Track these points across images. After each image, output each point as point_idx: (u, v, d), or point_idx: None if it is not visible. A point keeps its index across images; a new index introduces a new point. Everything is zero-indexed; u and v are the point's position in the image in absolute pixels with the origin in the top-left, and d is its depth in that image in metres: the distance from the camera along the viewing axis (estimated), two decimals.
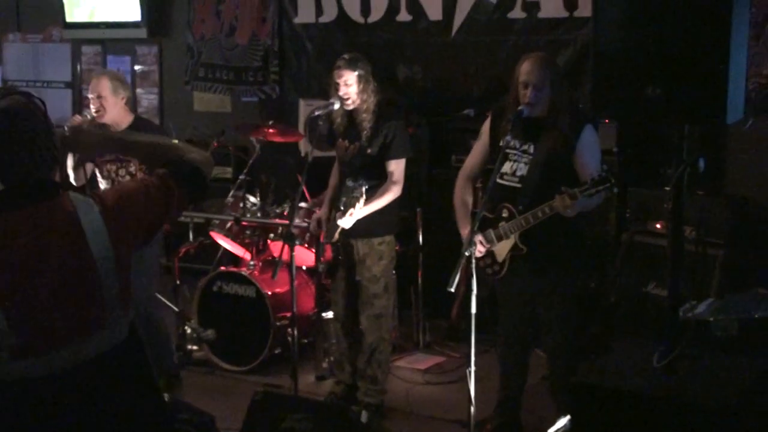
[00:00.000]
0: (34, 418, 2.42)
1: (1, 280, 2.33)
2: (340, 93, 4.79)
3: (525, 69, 4.21)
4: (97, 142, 3.07)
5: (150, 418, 2.66)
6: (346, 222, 4.66)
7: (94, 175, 5.16)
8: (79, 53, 8.94)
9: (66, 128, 4.91)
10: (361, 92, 4.79)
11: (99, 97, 5.01)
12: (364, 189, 4.65)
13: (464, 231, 4.31)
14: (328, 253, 5.14)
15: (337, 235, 4.78)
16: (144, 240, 2.63)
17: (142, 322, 2.93)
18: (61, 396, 2.43)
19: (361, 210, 4.66)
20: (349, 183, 4.84)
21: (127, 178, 5.03)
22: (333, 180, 5.16)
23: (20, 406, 2.40)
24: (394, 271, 5.12)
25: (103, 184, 5.12)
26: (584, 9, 5.94)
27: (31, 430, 2.43)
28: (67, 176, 5.05)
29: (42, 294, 2.37)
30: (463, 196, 4.52)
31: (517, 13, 6.33)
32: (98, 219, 2.45)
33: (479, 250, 4.26)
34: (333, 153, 5.17)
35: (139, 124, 5.13)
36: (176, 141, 2.97)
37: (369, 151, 4.80)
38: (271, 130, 5.89)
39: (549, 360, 4.61)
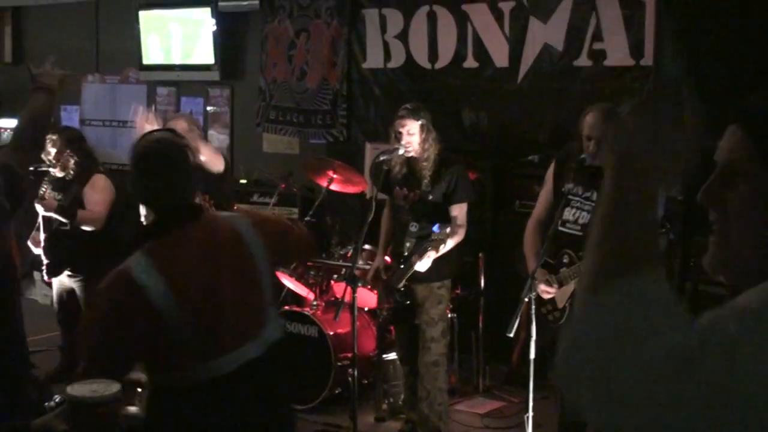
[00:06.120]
0: (220, 414, 2.65)
1: (184, 290, 2.55)
2: (403, 142, 4.84)
3: (588, 122, 4.24)
4: None
5: (290, 413, 3.01)
6: (423, 264, 4.67)
7: None
8: (153, 94, 9.21)
9: None
10: (423, 141, 4.85)
11: None
12: (447, 229, 4.64)
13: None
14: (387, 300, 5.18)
15: (404, 281, 4.81)
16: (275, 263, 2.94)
17: None
18: (236, 393, 2.65)
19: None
20: (413, 228, 4.87)
21: None
22: (386, 226, 5.21)
23: (207, 405, 2.63)
24: (452, 315, 5.13)
25: None
26: (650, 58, 5.91)
27: (219, 425, 2.66)
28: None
29: (220, 300, 2.61)
30: (533, 240, 4.54)
31: (583, 60, 6.34)
32: (252, 231, 2.75)
33: (547, 290, 4.28)
34: None
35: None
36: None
37: (431, 197, 4.86)
38: (336, 176, 5.97)
39: None
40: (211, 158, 5.25)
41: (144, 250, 2.61)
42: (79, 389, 2.63)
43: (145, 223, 2.95)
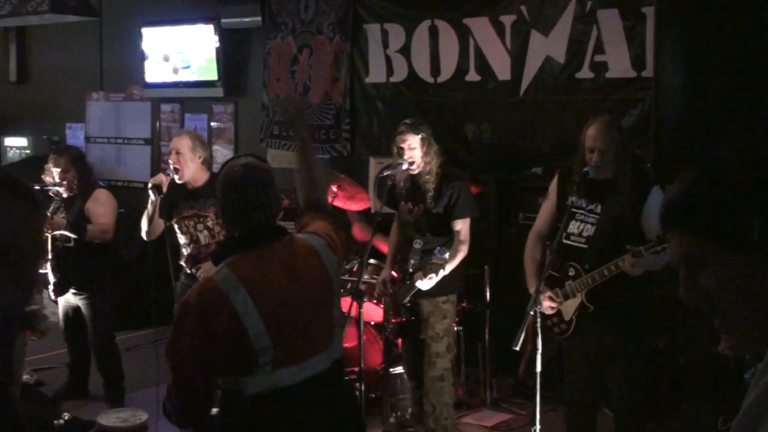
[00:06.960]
0: (287, 425, 2.75)
1: (263, 299, 2.67)
2: (406, 157, 4.88)
3: (591, 134, 4.25)
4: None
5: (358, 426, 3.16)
6: (425, 285, 4.71)
7: (170, 230, 5.35)
8: (158, 111, 9.25)
9: (150, 184, 5.17)
10: (424, 155, 4.88)
11: (177, 153, 5.24)
12: (446, 255, 4.68)
13: (532, 288, 4.34)
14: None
15: (409, 297, 4.85)
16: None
17: None
18: (303, 405, 2.76)
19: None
20: (416, 245, 4.89)
21: (205, 232, 5.21)
22: (394, 240, 5.23)
23: (276, 415, 2.73)
24: (458, 328, 5.15)
25: (182, 239, 5.30)
26: (652, 69, 5.92)
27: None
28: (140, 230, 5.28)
29: (296, 312, 2.73)
30: (533, 254, 4.56)
31: (585, 73, 6.36)
32: (328, 250, 2.90)
33: (550, 306, 4.29)
34: None
35: (214, 181, 5.31)
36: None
37: (434, 211, 4.88)
38: (339, 192, 5.98)
39: (617, 420, 4.57)
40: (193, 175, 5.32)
41: (226, 263, 2.75)
42: (107, 418, 2.66)
43: (224, 239, 3.09)
